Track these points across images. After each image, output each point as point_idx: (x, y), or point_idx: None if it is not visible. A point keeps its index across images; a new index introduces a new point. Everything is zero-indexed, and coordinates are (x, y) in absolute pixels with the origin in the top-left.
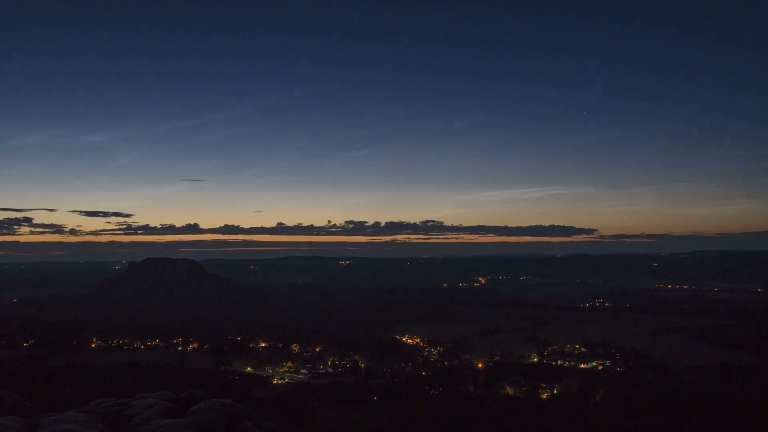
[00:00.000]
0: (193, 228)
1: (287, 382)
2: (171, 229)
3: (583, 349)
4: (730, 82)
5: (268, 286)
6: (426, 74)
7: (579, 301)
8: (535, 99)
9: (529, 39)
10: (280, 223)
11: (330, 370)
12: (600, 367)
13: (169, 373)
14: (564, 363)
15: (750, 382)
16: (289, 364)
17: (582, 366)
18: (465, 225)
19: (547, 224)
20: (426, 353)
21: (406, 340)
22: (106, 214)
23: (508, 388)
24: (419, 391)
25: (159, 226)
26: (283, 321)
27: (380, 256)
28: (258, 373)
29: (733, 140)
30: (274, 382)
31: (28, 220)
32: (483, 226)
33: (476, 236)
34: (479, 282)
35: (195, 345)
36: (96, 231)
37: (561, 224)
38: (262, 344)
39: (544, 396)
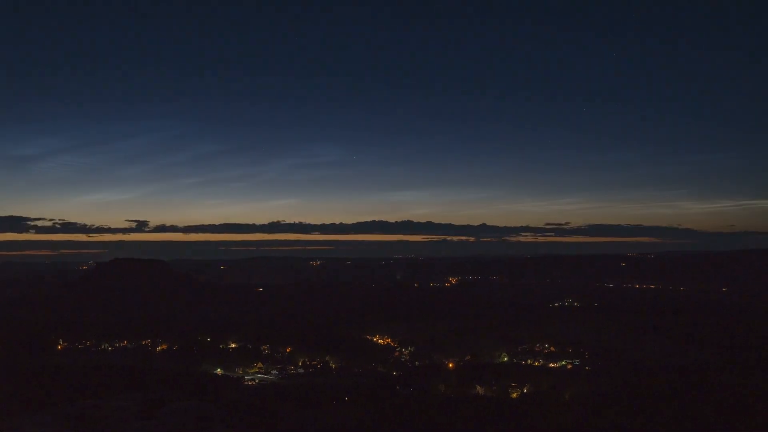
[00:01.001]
0: (161, 228)
1: (258, 383)
2: (138, 228)
3: (552, 349)
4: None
5: (239, 286)
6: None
7: (549, 301)
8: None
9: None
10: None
11: (301, 370)
12: (569, 366)
13: (139, 374)
14: (534, 362)
15: (718, 378)
16: (260, 365)
17: (552, 365)
18: (435, 223)
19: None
20: (397, 353)
21: (377, 340)
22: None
23: (478, 387)
24: (390, 391)
25: (126, 227)
26: (253, 321)
27: (351, 256)
28: (228, 374)
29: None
30: (245, 383)
31: None
32: (453, 225)
33: (446, 236)
34: (450, 282)
35: (164, 346)
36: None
37: (533, 225)
38: (232, 345)
39: (515, 395)
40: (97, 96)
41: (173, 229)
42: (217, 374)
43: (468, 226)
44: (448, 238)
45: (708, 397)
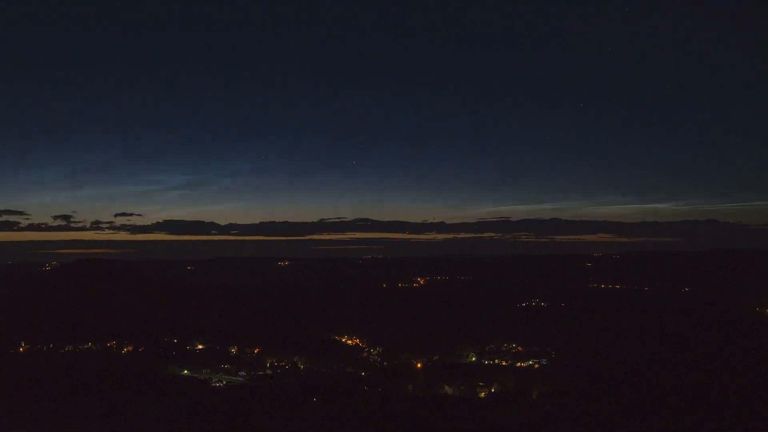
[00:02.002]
0: (129, 227)
1: (225, 385)
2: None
3: (520, 348)
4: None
5: (206, 287)
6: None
7: (517, 301)
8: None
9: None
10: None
11: (269, 371)
12: (536, 366)
13: (104, 377)
14: (501, 362)
15: (688, 376)
16: (227, 366)
17: (519, 364)
18: (402, 222)
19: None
20: (365, 354)
21: (346, 340)
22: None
23: (446, 387)
24: (358, 391)
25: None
26: (220, 322)
27: (319, 257)
28: (195, 375)
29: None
30: (212, 384)
31: None
32: (425, 223)
33: (416, 235)
34: (418, 282)
35: (130, 348)
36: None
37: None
38: (199, 346)
39: (482, 394)
40: None
41: (142, 229)
42: (183, 376)
43: (439, 224)
44: (416, 238)
45: (668, 393)
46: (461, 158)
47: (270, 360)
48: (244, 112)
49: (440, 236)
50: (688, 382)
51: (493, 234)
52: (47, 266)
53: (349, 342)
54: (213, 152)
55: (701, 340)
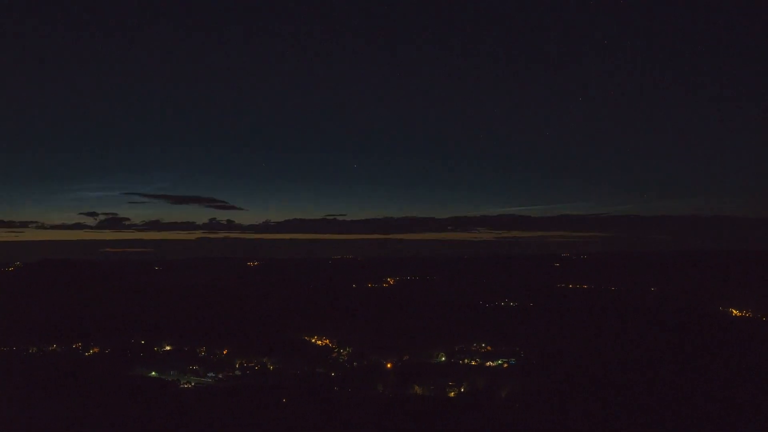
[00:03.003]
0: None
1: (194, 386)
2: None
3: (489, 348)
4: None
5: (174, 287)
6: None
7: (486, 301)
8: None
9: None
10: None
11: (238, 373)
12: (505, 365)
13: (69, 379)
14: (471, 362)
15: (656, 375)
16: (196, 367)
17: (488, 364)
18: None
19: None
20: (335, 354)
21: (316, 341)
22: None
23: (416, 387)
24: (328, 392)
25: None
26: (188, 324)
27: (289, 257)
28: (163, 377)
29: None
30: (180, 386)
31: None
32: (392, 219)
33: (386, 234)
34: (388, 282)
35: (96, 350)
36: None
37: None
38: (167, 347)
39: (452, 394)
40: None
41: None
42: (151, 378)
43: (408, 224)
44: (388, 238)
45: (633, 392)
46: (432, 158)
47: (239, 361)
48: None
49: (410, 236)
50: (653, 380)
51: (463, 233)
52: (10, 267)
53: (319, 342)
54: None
55: (665, 339)
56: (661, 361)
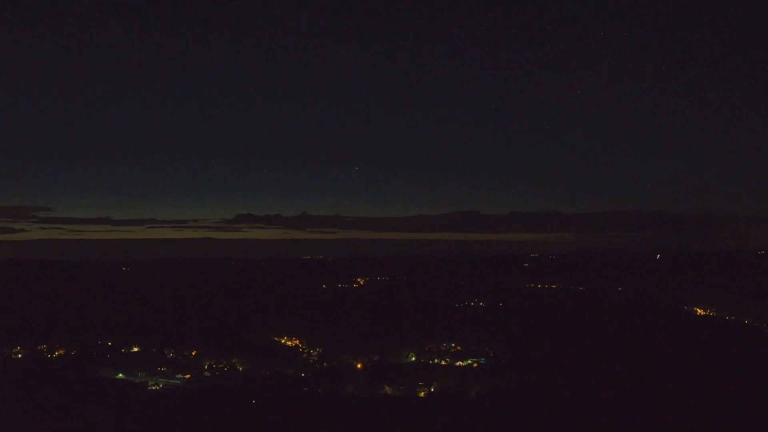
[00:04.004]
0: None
1: (162, 388)
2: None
3: (459, 348)
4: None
5: (142, 288)
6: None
7: (455, 301)
8: None
9: None
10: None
11: (207, 374)
12: (475, 365)
13: (33, 381)
14: (441, 361)
15: (621, 373)
16: (164, 369)
17: (458, 364)
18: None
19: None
20: (305, 355)
21: (285, 342)
22: None
23: (387, 387)
24: (298, 393)
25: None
26: (157, 325)
27: (257, 256)
28: (130, 379)
29: None
30: (148, 388)
31: None
32: (364, 218)
33: (357, 232)
34: (358, 283)
35: (61, 351)
36: None
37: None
38: (135, 349)
39: (422, 394)
40: None
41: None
42: (118, 380)
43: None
44: (355, 238)
45: (602, 390)
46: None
47: (208, 362)
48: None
49: (381, 236)
50: (618, 378)
51: (431, 234)
52: None
53: (289, 343)
54: None
55: (631, 337)
56: (626, 359)
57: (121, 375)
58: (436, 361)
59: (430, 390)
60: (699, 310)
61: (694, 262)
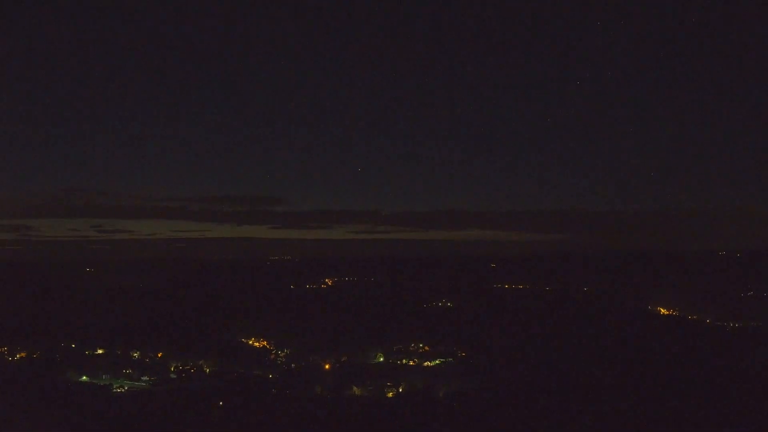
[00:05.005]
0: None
1: (127, 391)
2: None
3: (427, 348)
4: None
5: (107, 289)
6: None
7: (423, 301)
8: None
9: None
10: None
11: (173, 376)
12: (443, 365)
13: None
14: (409, 362)
15: (586, 372)
16: (129, 371)
17: (426, 364)
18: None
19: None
20: (273, 356)
21: (253, 343)
22: None
23: (355, 388)
24: (266, 394)
25: None
26: (121, 326)
27: (225, 257)
28: (95, 381)
29: None
30: (113, 390)
31: None
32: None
33: (325, 231)
34: (326, 283)
35: (23, 354)
36: None
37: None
38: (99, 351)
39: (390, 394)
40: None
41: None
42: (82, 383)
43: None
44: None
45: (562, 388)
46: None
47: (174, 364)
48: None
49: (350, 236)
50: (583, 377)
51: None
52: None
53: (256, 344)
54: None
55: (596, 336)
56: (592, 357)
57: (85, 378)
58: (404, 361)
59: (398, 390)
60: (663, 310)
61: (657, 262)
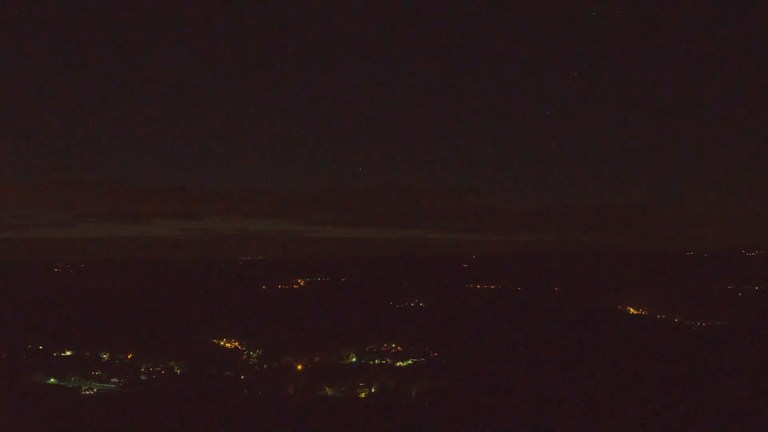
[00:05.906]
0: None
1: (96, 393)
2: None
3: (399, 348)
4: None
5: (75, 290)
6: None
7: (395, 302)
8: None
9: None
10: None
11: (143, 378)
12: (416, 365)
13: None
14: (381, 362)
15: (555, 371)
16: (98, 373)
17: (399, 364)
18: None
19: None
20: (245, 356)
21: (224, 343)
22: None
23: (327, 388)
24: (238, 395)
25: None
26: (90, 327)
27: (193, 256)
28: (63, 383)
29: None
30: (82, 393)
31: None
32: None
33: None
34: (299, 284)
35: None
36: None
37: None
38: (68, 352)
39: (363, 395)
40: None
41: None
42: (49, 385)
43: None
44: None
45: (539, 389)
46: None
47: (145, 365)
48: None
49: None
50: (552, 376)
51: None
52: None
53: (228, 345)
54: None
55: (566, 336)
56: (561, 357)
57: (53, 380)
58: (376, 361)
59: (370, 390)
60: (632, 309)
61: (627, 262)
